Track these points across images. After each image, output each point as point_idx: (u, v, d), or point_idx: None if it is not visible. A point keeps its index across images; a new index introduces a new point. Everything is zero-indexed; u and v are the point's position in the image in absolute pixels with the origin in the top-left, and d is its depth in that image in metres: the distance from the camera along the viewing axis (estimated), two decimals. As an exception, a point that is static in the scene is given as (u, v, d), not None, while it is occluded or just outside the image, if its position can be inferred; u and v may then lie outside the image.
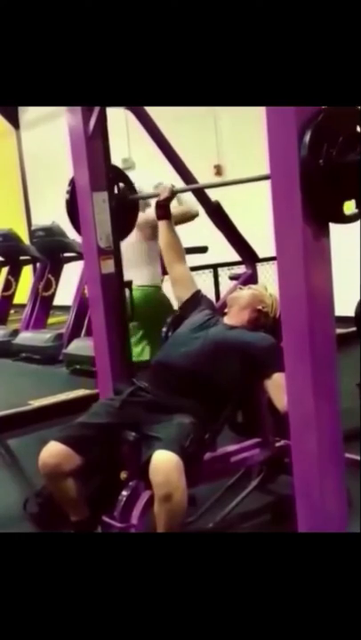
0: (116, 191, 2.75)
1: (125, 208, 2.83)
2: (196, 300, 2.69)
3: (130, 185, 2.93)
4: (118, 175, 2.87)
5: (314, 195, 1.72)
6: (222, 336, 2.49)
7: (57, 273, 6.86)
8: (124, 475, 2.20)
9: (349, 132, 1.74)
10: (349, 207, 1.81)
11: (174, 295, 2.75)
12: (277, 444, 2.61)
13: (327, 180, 1.70)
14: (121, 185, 2.83)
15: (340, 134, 1.71)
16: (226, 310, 2.68)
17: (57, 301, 7.10)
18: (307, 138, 1.68)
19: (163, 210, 2.67)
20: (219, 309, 2.81)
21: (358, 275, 4.69)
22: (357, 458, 2.79)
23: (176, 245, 2.71)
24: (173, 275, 2.73)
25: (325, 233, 1.78)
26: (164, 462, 2.02)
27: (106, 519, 2.20)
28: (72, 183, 2.78)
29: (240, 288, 2.76)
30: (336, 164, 1.70)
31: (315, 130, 1.68)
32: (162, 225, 2.70)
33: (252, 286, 2.77)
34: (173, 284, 2.74)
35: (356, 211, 1.83)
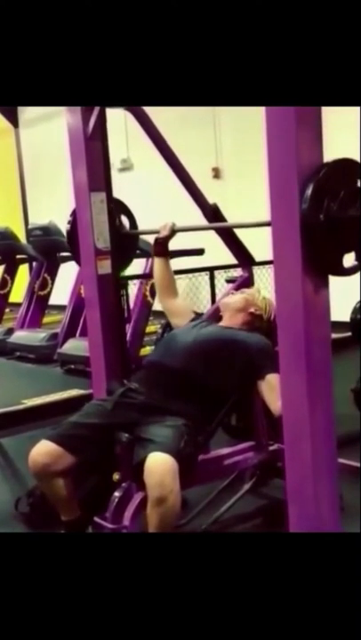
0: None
1: (125, 242, 2.85)
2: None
3: (132, 218, 2.95)
4: (121, 208, 2.88)
5: (314, 248, 1.73)
6: (216, 333, 2.49)
7: (53, 272, 6.85)
8: (116, 476, 2.20)
9: (350, 187, 1.74)
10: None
11: (172, 324, 2.75)
12: (271, 448, 2.61)
13: (328, 235, 1.71)
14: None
15: (341, 189, 1.72)
16: (220, 314, 2.68)
17: (52, 301, 7.08)
18: (308, 192, 1.68)
19: (161, 247, 2.69)
20: (213, 313, 2.81)
21: (354, 280, 4.70)
22: (353, 464, 2.79)
23: (170, 282, 2.73)
24: (169, 308, 2.74)
25: (325, 284, 1.79)
26: (158, 465, 2.01)
27: (97, 520, 2.20)
28: (73, 214, 2.78)
29: (232, 293, 2.76)
30: (337, 218, 1.71)
31: (316, 184, 1.68)
32: (157, 261, 2.72)
33: (245, 290, 2.76)
34: (170, 316, 2.75)
35: (355, 263, 1.86)
